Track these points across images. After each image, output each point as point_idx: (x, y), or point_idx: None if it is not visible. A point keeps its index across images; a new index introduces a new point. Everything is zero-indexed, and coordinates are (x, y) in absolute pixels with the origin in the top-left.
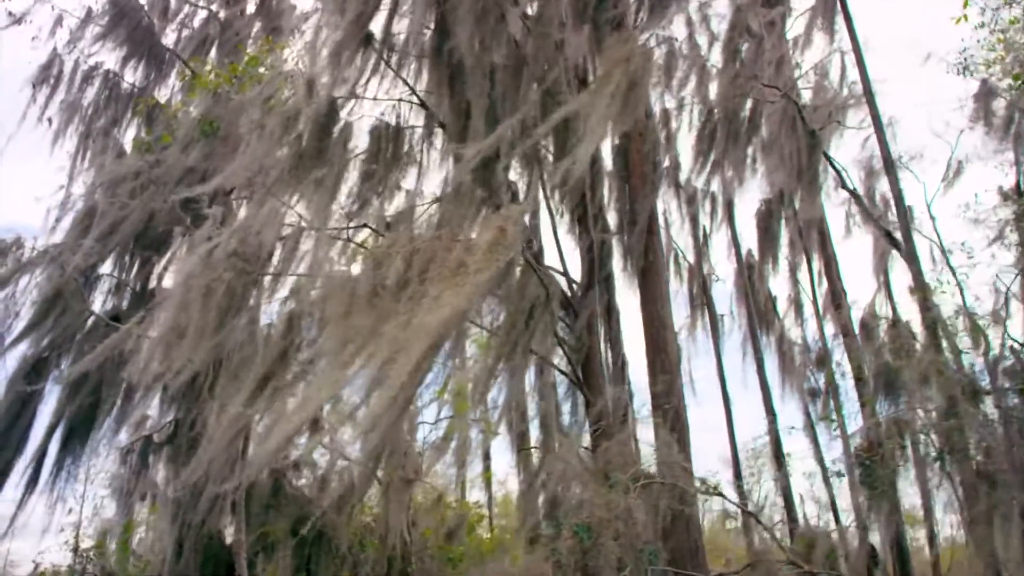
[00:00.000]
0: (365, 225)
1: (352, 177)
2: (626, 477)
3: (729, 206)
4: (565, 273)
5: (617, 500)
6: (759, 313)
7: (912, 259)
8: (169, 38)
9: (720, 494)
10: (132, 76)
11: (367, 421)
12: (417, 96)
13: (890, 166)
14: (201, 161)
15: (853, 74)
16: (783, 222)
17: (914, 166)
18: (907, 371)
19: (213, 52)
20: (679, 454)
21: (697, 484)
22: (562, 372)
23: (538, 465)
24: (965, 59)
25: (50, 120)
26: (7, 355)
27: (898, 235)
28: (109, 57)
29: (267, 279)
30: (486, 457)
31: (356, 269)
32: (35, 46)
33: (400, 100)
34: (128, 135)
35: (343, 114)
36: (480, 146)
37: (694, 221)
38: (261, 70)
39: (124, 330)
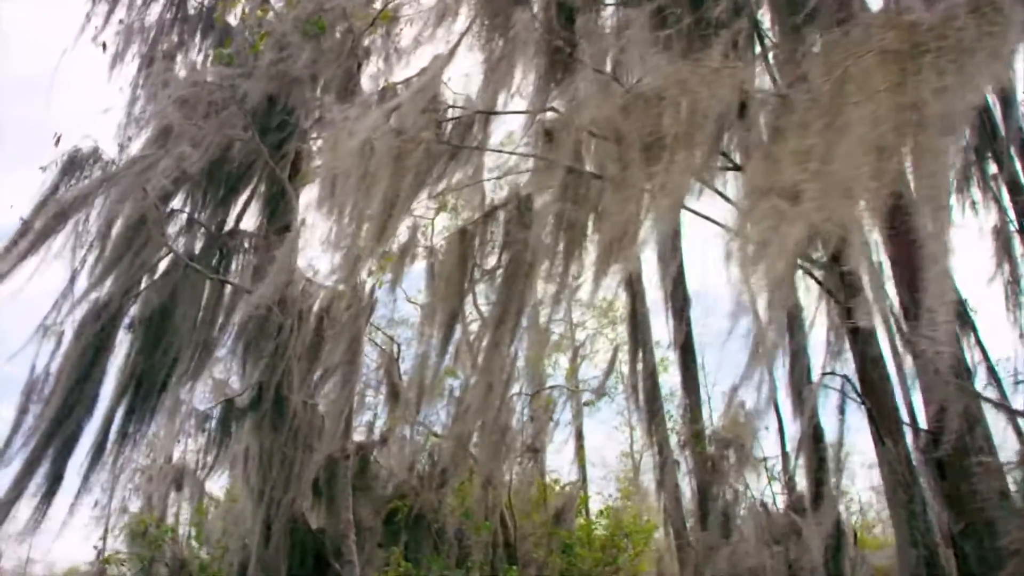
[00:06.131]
0: (551, 108)
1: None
2: None
3: None
4: None
5: None
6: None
7: None
8: None
9: None
10: None
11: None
12: None
13: None
14: (307, 68)
15: None
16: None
17: None
18: None
19: None
20: None
21: None
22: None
23: None
24: None
25: (104, 45)
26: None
27: None
28: None
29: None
30: (579, 436)
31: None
32: None
33: None
34: (196, 61)
35: None
36: None
37: None
38: None
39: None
